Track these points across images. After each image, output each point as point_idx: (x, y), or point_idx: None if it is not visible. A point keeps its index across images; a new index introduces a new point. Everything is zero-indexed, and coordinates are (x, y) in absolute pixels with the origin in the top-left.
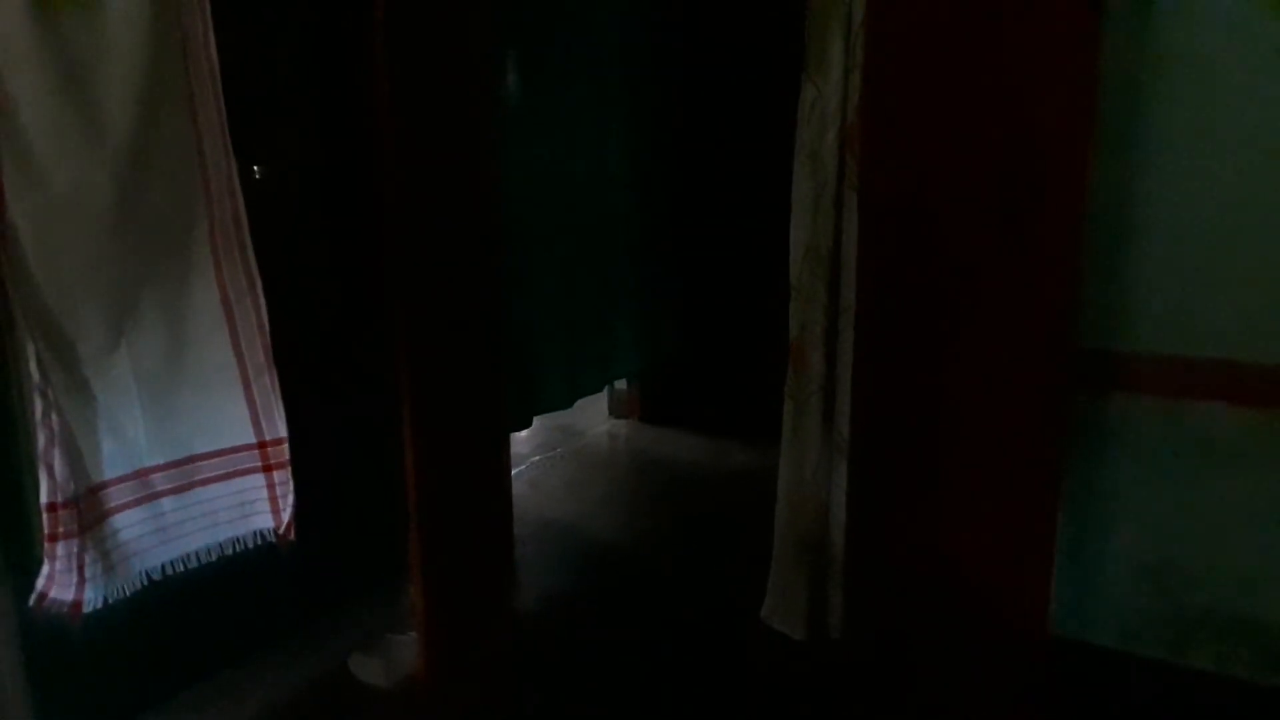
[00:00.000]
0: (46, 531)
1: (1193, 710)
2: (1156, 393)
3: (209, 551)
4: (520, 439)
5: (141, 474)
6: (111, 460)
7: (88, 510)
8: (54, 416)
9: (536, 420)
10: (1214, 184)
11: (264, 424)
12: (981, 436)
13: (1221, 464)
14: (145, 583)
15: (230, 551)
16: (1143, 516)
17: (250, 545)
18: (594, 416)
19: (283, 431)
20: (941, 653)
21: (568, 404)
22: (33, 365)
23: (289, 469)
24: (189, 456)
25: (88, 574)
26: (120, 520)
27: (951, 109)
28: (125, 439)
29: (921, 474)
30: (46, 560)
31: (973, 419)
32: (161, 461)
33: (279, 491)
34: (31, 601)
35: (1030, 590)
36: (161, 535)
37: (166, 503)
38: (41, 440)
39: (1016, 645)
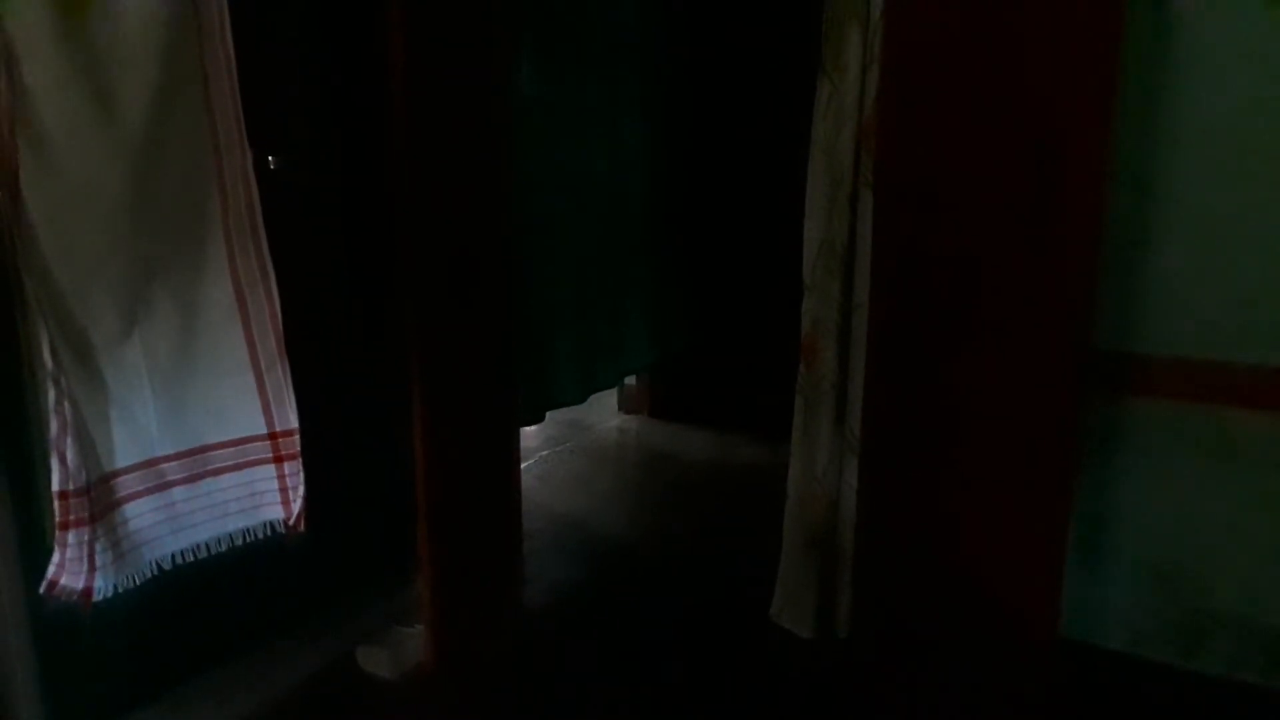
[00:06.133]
0: (58, 519)
1: (1203, 714)
2: (1169, 395)
3: (219, 542)
4: (529, 433)
5: (153, 463)
6: (123, 449)
7: (99, 498)
8: (66, 404)
9: (546, 415)
10: (1233, 186)
11: (275, 415)
12: (994, 436)
13: (1234, 467)
14: (155, 572)
15: (240, 542)
16: (1154, 519)
17: (260, 536)
18: (603, 411)
19: (294, 423)
20: (950, 653)
21: (581, 399)
22: (46, 353)
23: (300, 460)
24: (200, 446)
25: (98, 562)
26: (131, 509)
27: (969, 106)
28: (137, 428)
29: (933, 473)
30: (57, 548)
31: (985, 419)
32: (173, 451)
33: (289, 483)
34: (42, 589)
35: (1040, 592)
36: (172, 525)
37: (177, 492)
38: (54, 428)
39: (1025, 647)
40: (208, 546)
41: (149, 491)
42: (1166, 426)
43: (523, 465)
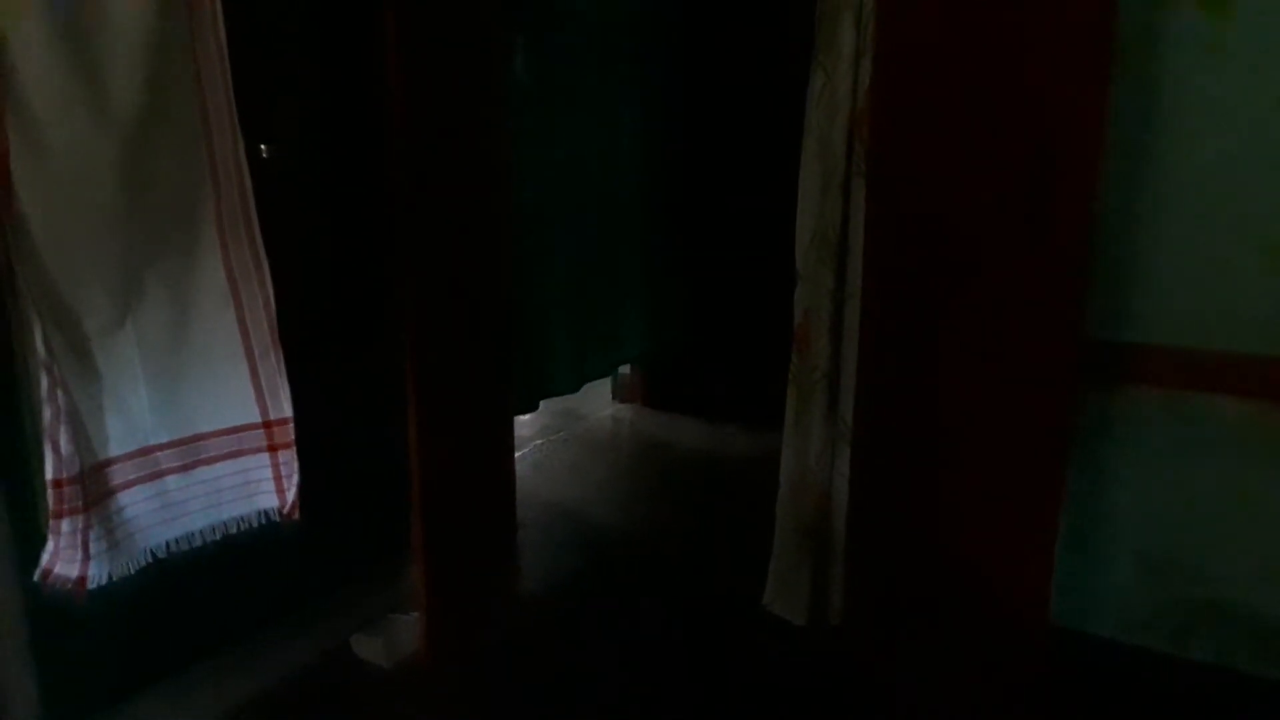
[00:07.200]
0: (51, 508)
1: (1192, 702)
2: (1162, 384)
3: (213, 530)
4: (523, 422)
5: (146, 451)
6: (117, 437)
7: (93, 487)
8: (60, 393)
9: (540, 404)
10: (1223, 176)
11: (269, 403)
12: (986, 425)
13: (1226, 456)
14: (149, 560)
15: (234, 530)
16: (1146, 507)
17: (254, 524)
18: (597, 400)
19: (288, 411)
20: (941, 641)
21: (575, 388)
22: (38, 341)
23: (294, 449)
24: (194, 435)
25: (92, 550)
26: (125, 497)
27: (963, 97)
28: (130, 416)
29: (925, 462)
30: (51, 536)
31: (978, 408)
32: (166, 439)
33: (283, 471)
34: (36, 577)
35: (1032, 579)
36: (166, 513)
37: (171, 480)
38: (47, 416)
39: (1017, 634)
40: (202, 535)
41: (143, 480)
42: (1158, 415)
43: (517, 454)
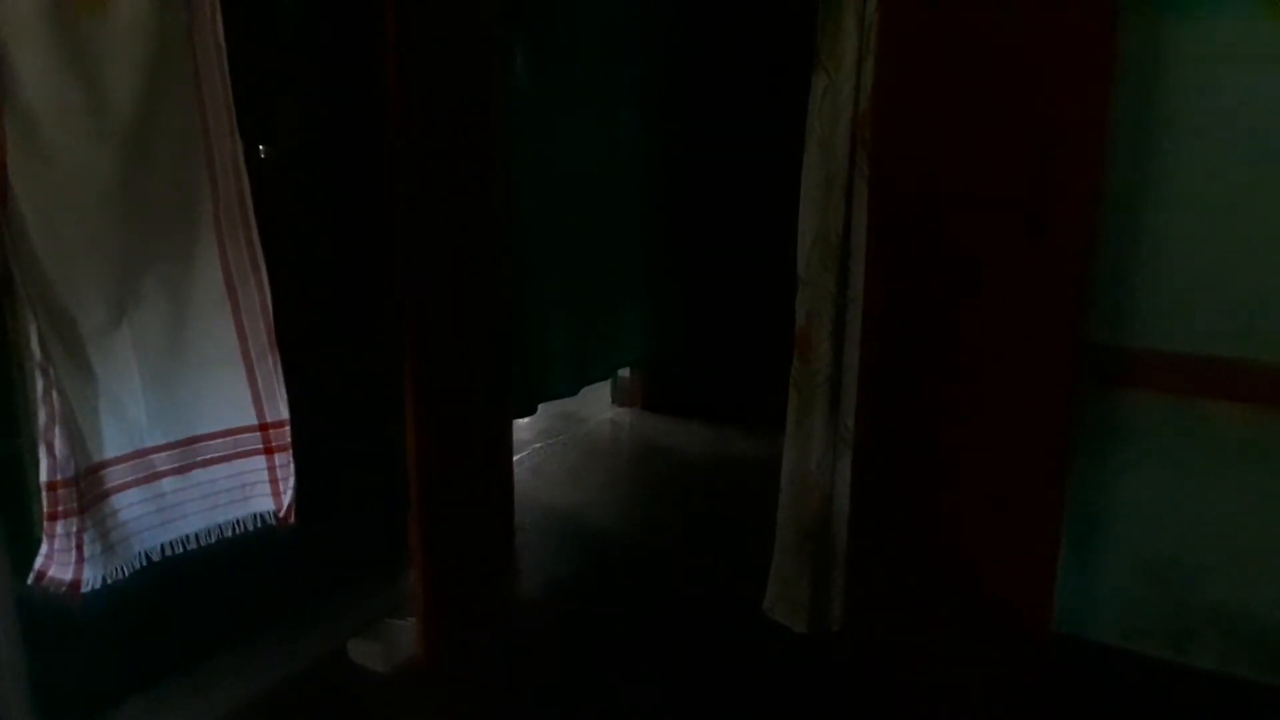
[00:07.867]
0: (46, 510)
1: (1194, 709)
2: (1164, 389)
3: (208, 533)
4: (522, 425)
5: (142, 454)
6: (112, 439)
7: (87, 489)
8: (55, 394)
9: (539, 407)
10: (1225, 183)
11: (266, 406)
12: (988, 430)
13: (1228, 462)
14: (144, 563)
15: (230, 533)
16: (1148, 513)
17: (250, 527)
18: (597, 404)
19: (285, 414)
20: (943, 647)
21: (574, 391)
22: (34, 342)
23: (290, 452)
24: (190, 437)
25: (87, 553)
26: (120, 500)
27: (966, 99)
28: (126, 418)
29: (927, 467)
30: (45, 539)
31: (980, 412)
32: (162, 441)
33: (280, 474)
34: (30, 580)
35: (1033, 585)
36: (161, 516)
37: (167, 483)
38: (42, 418)
39: (1018, 640)
40: (197, 538)
41: (138, 482)
42: (1161, 420)
43: (515, 458)
